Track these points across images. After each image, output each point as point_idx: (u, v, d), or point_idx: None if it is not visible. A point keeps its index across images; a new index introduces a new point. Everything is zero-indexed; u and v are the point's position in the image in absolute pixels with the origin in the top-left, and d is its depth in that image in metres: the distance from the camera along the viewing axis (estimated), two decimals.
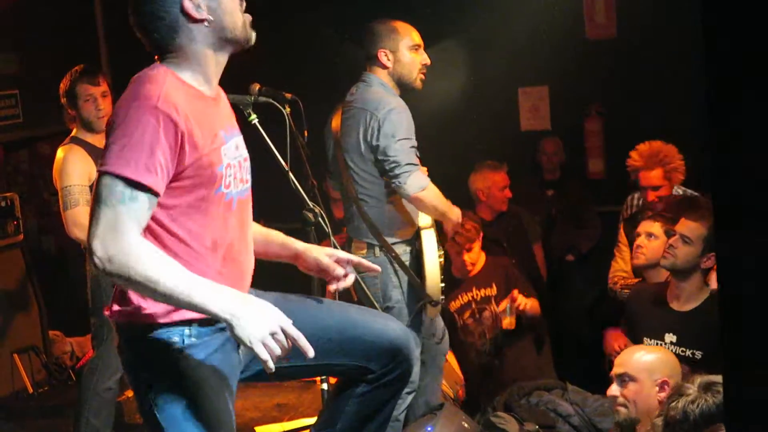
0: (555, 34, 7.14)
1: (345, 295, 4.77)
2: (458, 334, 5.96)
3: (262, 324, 2.61)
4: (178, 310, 2.75)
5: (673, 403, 3.24)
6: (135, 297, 2.78)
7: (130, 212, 2.60)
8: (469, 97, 6.95)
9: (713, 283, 4.53)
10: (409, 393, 4.68)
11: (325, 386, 3.91)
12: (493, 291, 5.93)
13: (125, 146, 2.60)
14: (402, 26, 4.80)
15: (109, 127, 2.69)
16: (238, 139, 2.97)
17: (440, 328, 4.97)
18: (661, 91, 6.93)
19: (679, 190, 5.82)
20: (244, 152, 2.98)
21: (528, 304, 5.73)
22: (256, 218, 3.14)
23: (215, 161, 2.79)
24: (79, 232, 4.88)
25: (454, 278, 6.05)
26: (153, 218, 2.72)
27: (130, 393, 5.61)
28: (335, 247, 3.82)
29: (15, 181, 7.82)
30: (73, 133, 5.13)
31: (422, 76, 4.82)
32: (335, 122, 4.82)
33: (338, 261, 3.21)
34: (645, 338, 4.64)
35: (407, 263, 4.68)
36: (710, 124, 1.55)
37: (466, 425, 4.38)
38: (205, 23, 2.80)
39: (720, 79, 1.56)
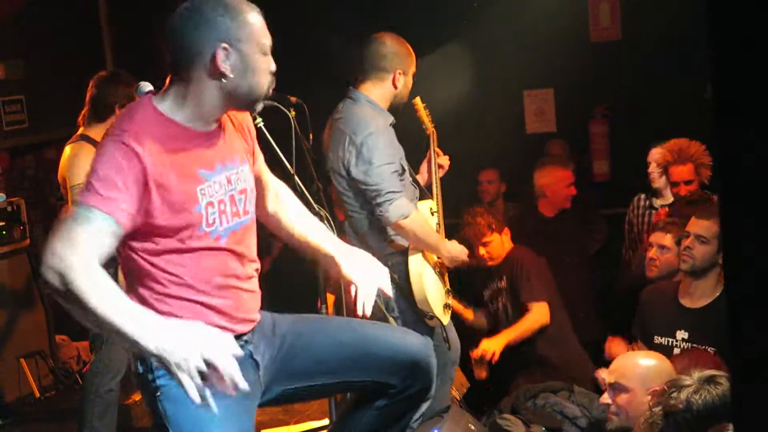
0: (560, 36, 7.15)
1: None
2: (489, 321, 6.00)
3: (184, 352, 2.51)
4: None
5: (675, 394, 3.20)
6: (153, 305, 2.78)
7: (88, 232, 2.59)
8: (474, 101, 6.96)
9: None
10: (424, 401, 4.66)
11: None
12: (503, 284, 5.92)
13: (93, 179, 2.64)
14: (411, 49, 4.73)
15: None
16: (233, 173, 2.91)
17: (452, 337, 4.94)
18: (666, 93, 6.94)
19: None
20: (242, 184, 2.93)
21: (496, 351, 5.68)
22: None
23: (190, 201, 2.77)
24: None
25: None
26: (145, 261, 2.76)
27: (137, 396, 5.62)
28: None
29: (21, 186, 7.83)
30: (81, 131, 5.10)
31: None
32: (326, 136, 4.76)
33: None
34: (656, 336, 4.63)
35: (403, 274, 4.62)
36: (717, 124, 1.54)
37: (472, 427, 4.38)
38: (224, 79, 2.77)
39: (726, 79, 1.55)
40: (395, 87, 4.67)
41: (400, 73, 4.66)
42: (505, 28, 7.15)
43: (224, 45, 2.73)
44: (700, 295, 4.56)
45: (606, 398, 3.92)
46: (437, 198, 4.85)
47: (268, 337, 3.01)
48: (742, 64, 1.52)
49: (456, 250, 4.71)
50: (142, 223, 2.70)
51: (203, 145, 2.84)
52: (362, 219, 4.61)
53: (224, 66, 2.74)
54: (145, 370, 2.83)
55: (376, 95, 4.65)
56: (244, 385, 2.56)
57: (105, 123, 4.89)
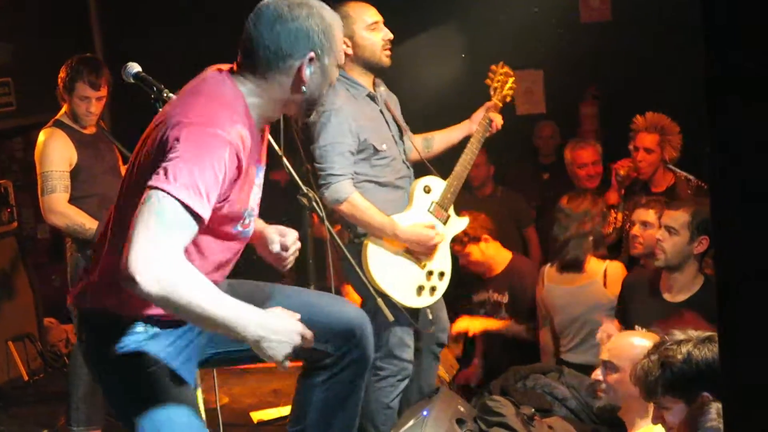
0: (549, 17, 7.13)
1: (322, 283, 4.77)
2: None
3: (286, 343, 2.69)
4: (143, 306, 2.79)
5: (674, 346, 3.15)
6: (102, 288, 2.83)
7: (184, 238, 2.59)
8: (463, 82, 6.92)
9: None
10: (400, 380, 4.66)
11: None
12: (505, 299, 5.94)
13: (192, 171, 2.56)
14: (353, 7, 4.52)
15: (176, 132, 2.62)
16: (262, 173, 2.98)
17: (443, 319, 4.92)
18: (656, 74, 6.92)
19: (690, 178, 5.82)
20: (262, 185, 2.99)
21: (470, 330, 5.77)
22: None
23: (244, 201, 2.83)
24: (55, 219, 4.89)
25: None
26: None
27: None
28: (330, 232, 3.80)
29: (9, 169, 7.81)
30: (58, 115, 5.08)
31: (388, 52, 4.55)
32: None
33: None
34: (636, 326, 4.63)
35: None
36: (708, 110, 1.53)
37: (462, 409, 4.37)
38: (303, 87, 2.81)
39: (718, 59, 1.54)
40: (346, 54, 4.40)
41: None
42: (494, 9, 7.13)
43: (311, 56, 2.77)
44: (680, 288, 4.54)
45: (598, 374, 3.91)
46: (455, 175, 4.75)
47: None
48: (736, 41, 1.51)
49: (410, 234, 4.54)
50: None
51: (259, 144, 2.91)
52: None
53: (307, 77, 2.78)
54: (99, 341, 2.88)
55: (346, 69, 4.49)
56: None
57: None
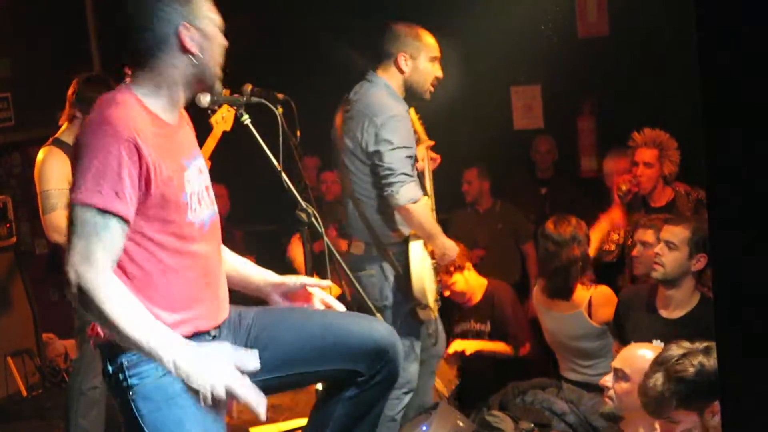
0: (547, 32, 7.14)
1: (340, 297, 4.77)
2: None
3: (208, 380, 2.63)
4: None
5: (682, 361, 3.13)
6: None
7: (104, 242, 2.61)
8: (461, 97, 6.95)
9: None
10: (406, 393, 4.67)
11: (319, 386, 3.89)
12: (487, 328, 5.94)
13: (94, 174, 2.61)
14: (425, 35, 4.72)
15: (76, 151, 2.68)
16: (200, 163, 2.97)
17: (437, 330, 4.95)
18: (654, 89, 6.93)
19: (690, 191, 5.83)
20: (207, 178, 2.99)
21: (466, 350, 5.79)
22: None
23: (179, 189, 2.80)
24: (58, 236, 4.88)
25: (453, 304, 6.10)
26: (128, 247, 2.73)
27: None
28: (328, 246, 3.80)
29: (8, 184, 7.80)
30: (57, 134, 5.08)
31: (432, 89, 4.74)
32: (338, 120, 4.77)
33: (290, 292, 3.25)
34: (632, 342, 4.62)
35: (404, 264, 4.64)
36: (705, 121, 1.54)
37: (461, 424, 4.38)
38: (192, 57, 2.82)
39: (714, 74, 1.55)
40: (400, 71, 4.66)
41: (404, 57, 4.65)
42: (492, 24, 7.14)
43: (185, 24, 2.79)
44: (676, 305, 4.54)
45: (607, 381, 3.90)
46: (431, 196, 4.87)
47: (235, 331, 3.05)
48: (728, 60, 1.52)
49: (449, 246, 4.72)
50: (138, 213, 2.71)
51: (177, 135, 2.89)
52: (373, 205, 4.62)
53: (191, 44, 2.79)
54: (115, 370, 2.83)
55: (392, 80, 4.67)
56: (262, 411, 2.70)
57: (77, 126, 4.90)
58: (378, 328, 3.21)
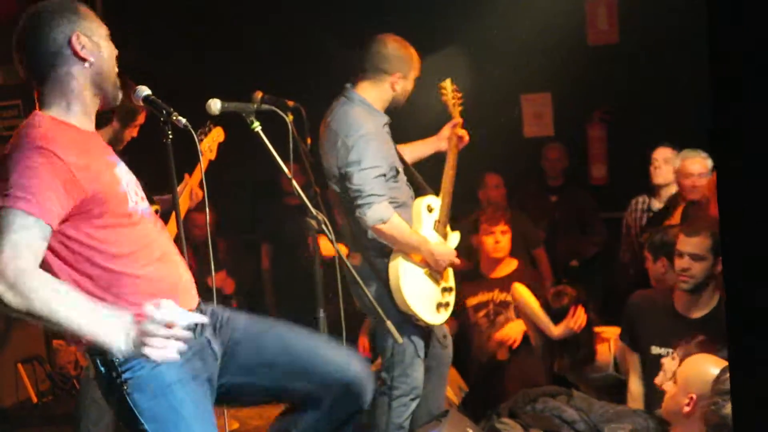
0: (557, 40, 7.15)
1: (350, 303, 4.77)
2: (468, 330, 6.00)
3: (127, 336, 2.64)
4: None
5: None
6: None
7: (25, 240, 2.67)
8: (472, 105, 6.96)
9: None
10: (413, 399, 4.67)
11: None
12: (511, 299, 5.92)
13: (17, 184, 2.70)
14: (415, 56, 4.72)
15: (1, 168, 2.78)
16: (124, 165, 3.09)
17: (446, 336, 4.94)
18: (664, 97, 6.93)
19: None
20: (133, 175, 3.10)
21: (517, 339, 5.75)
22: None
23: (114, 183, 2.92)
24: None
25: (477, 273, 6.08)
26: (80, 246, 2.83)
27: None
28: (339, 254, 3.81)
29: None
30: None
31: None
32: (321, 139, 4.70)
33: None
34: (652, 346, 4.62)
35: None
36: (713, 125, 1.54)
37: (471, 431, 4.37)
38: (87, 63, 2.94)
39: (723, 81, 1.55)
40: (393, 90, 4.67)
41: (399, 77, 4.65)
42: (502, 32, 7.15)
43: (76, 33, 2.93)
44: (699, 306, 4.54)
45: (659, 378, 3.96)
46: (445, 191, 4.83)
47: (221, 327, 3.12)
48: (740, 66, 1.52)
49: (439, 252, 4.66)
50: (75, 214, 2.80)
51: (97, 139, 3.04)
52: (355, 221, 4.60)
53: (84, 52, 2.93)
54: (107, 369, 2.86)
55: (373, 96, 4.65)
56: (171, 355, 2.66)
57: (103, 129, 4.88)
58: (356, 364, 3.27)
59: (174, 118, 3.20)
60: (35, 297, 2.61)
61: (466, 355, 5.92)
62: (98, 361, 2.87)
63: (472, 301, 6.02)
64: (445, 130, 5.04)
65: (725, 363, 3.78)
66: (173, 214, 4.09)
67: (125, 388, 2.84)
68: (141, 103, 3.30)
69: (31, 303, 2.61)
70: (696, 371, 3.88)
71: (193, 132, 3.20)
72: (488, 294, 6.02)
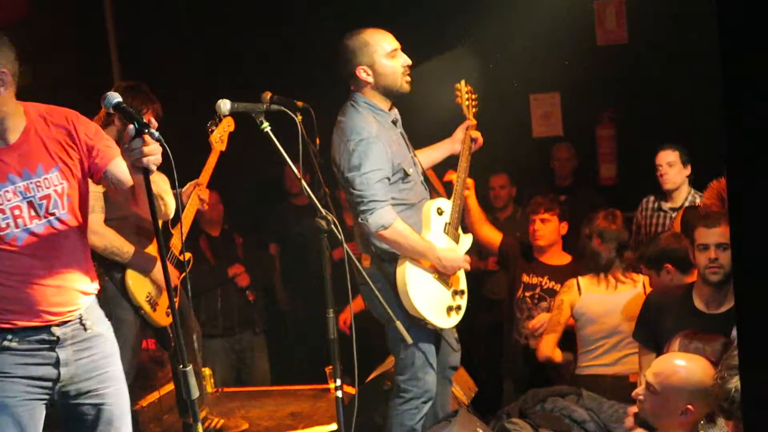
0: (566, 40, 7.14)
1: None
2: (514, 301, 6.07)
3: None
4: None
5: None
6: None
7: None
8: (480, 104, 6.98)
9: None
10: (425, 402, 4.65)
11: (339, 394, 3.89)
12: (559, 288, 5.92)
13: None
14: (372, 35, 4.57)
15: None
16: (33, 182, 3.26)
17: (457, 339, 4.93)
18: (673, 96, 6.93)
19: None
20: (44, 191, 3.27)
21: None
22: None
23: None
24: (94, 238, 4.83)
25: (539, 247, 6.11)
26: None
27: (144, 402, 5.62)
28: (348, 254, 3.81)
29: None
30: None
31: (408, 78, 4.59)
32: (333, 141, 4.64)
33: None
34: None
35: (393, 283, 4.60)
36: (725, 124, 1.54)
37: (480, 431, 4.37)
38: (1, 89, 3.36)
39: (734, 80, 1.55)
40: (366, 83, 4.55)
41: (362, 69, 4.53)
42: (511, 32, 7.15)
43: None
44: (720, 301, 4.51)
45: (637, 392, 3.84)
46: (457, 194, 4.79)
47: (82, 342, 3.37)
48: (751, 65, 1.52)
49: (446, 257, 4.60)
50: None
51: (5, 156, 3.23)
52: (361, 225, 4.57)
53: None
54: None
55: (370, 96, 4.58)
56: None
57: (107, 129, 4.85)
58: None
59: (146, 129, 2.96)
60: None
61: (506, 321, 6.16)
62: None
63: (525, 278, 6.05)
64: (459, 132, 5.03)
65: (695, 366, 3.72)
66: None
67: None
68: (111, 110, 3.10)
69: None
70: (679, 378, 3.66)
71: (167, 147, 3.00)
72: (538, 278, 6.04)
